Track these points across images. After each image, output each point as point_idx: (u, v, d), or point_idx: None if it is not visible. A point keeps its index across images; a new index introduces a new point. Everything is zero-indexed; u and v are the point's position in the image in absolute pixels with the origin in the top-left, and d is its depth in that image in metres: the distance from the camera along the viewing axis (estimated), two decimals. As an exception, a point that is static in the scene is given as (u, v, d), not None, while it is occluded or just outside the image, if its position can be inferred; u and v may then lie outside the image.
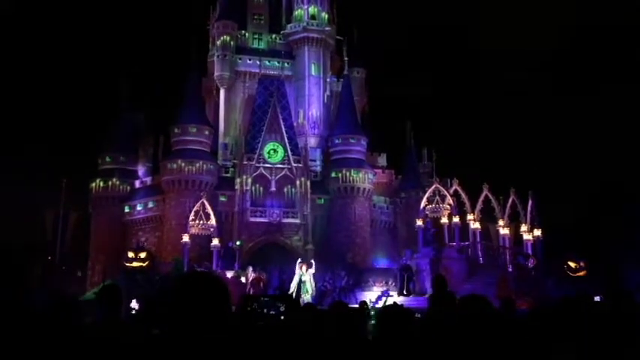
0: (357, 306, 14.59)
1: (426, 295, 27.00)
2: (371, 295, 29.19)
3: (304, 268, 29.73)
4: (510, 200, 34.41)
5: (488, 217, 34.78)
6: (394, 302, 5.65)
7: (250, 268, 31.17)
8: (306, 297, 27.05)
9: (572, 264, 28.12)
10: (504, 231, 33.76)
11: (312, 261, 30.37)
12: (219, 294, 2.19)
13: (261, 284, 29.67)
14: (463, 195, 33.08)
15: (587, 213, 44.52)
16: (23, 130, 59.11)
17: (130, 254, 30.57)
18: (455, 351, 4.14)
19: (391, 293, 29.07)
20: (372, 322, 6.90)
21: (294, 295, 26.37)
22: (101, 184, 44.69)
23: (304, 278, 28.84)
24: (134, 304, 19.99)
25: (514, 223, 34.57)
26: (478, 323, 4.59)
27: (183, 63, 45.77)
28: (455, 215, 32.01)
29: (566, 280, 27.01)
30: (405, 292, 28.33)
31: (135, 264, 29.92)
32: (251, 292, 28.14)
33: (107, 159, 45.77)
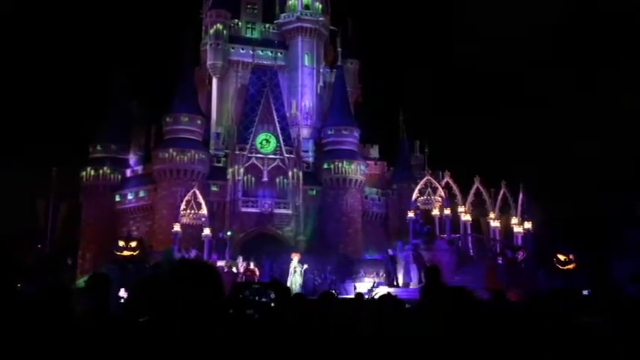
0: (352, 296, 14.65)
1: (412, 286, 27.21)
2: (361, 287, 29.31)
3: (296, 258, 29.84)
4: (501, 193, 34.60)
5: (479, 210, 34.95)
6: (388, 292, 5.68)
7: (240, 259, 31.23)
8: (294, 288, 27.14)
9: (561, 257, 28.29)
10: (495, 223, 33.95)
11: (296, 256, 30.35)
12: (213, 280, 2.20)
13: (254, 277, 29.72)
14: (454, 187, 33.21)
15: (579, 206, 44.86)
16: (15, 119, 58.64)
17: (121, 243, 30.44)
18: (445, 343, 4.16)
19: (376, 282, 29.26)
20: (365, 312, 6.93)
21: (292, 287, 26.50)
22: (92, 172, 44.47)
23: (294, 270, 28.98)
24: (122, 293, 19.92)
25: (505, 215, 34.78)
26: (468, 315, 4.62)
27: (176, 52, 45.50)
28: (446, 207, 32.11)
29: (556, 273, 27.19)
30: (394, 284, 28.48)
31: (125, 253, 29.80)
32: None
33: (98, 147, 45.50)
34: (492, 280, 25.01)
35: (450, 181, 33.31)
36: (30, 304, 2.80)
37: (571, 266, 28.11)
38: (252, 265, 30.88)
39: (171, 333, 2.02)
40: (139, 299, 3.67)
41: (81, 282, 32.43)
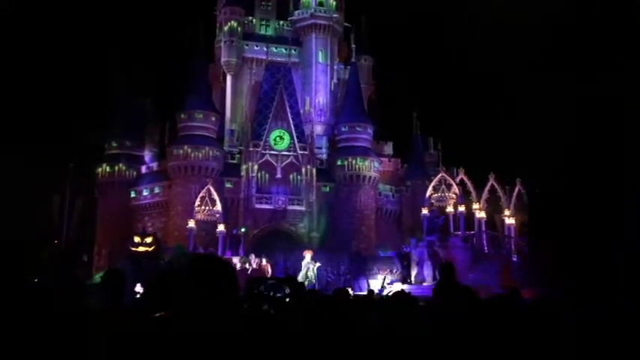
0: (364, 293, 14.63)
1: (426, 283, 27.12)
2: (375, 284, 29.29)
3: (309, 255, 29.86)
4: (516, 190, 34.31)
5: (494, 207, 34.70)
6: (401, 289, 5.67)
7: (252, 256, 31.27)
8: (306, 284, 27.16)
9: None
10: (510, 221, 33.70)
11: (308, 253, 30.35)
12: (229, 275, 2.20)
13: (266, 273, 29.78)
14: (469, 184, 33.01)
15: (594, 203, 44.27)
16: (30, 115, 59.26)
17: (136, 239, 30.74)
18: (459, 340, 4.14)
19: (390, 280, 29.20)
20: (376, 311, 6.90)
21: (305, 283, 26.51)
22: (107, 169, 44.87)
23: (306, 267, 28.99)
24: (139, 288, 20.11)
25: (520, 213, 34.48)
26: (486, 313, 4.59)
27: (191, 49, 45.65)
28: (460, 204, 31.94)
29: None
30: (408, 280, 28.43)
31: (141, 249, 30.09)
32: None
33: (113, 144, 45.87)
34: (507, 277, 24.85)
35: (465, 178, 33.13)
36: (42, 298, 2.82)
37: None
38: (264, 262, 30.94)
39: (187, 328, 2.03)
40: (155, 294, 3.69)
41: (97, 278, 32.74)
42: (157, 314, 2.28)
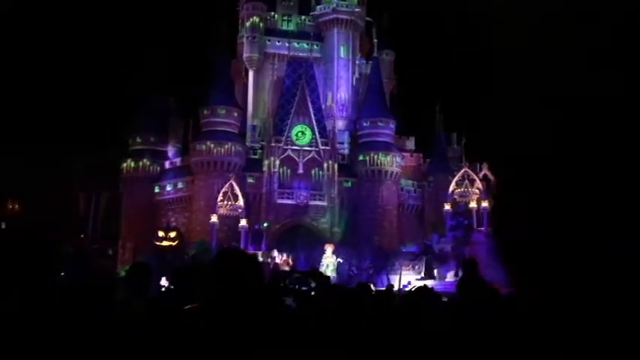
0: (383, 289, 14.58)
1: (449, 279, 26.96)
2: (397, 279, 29.16)
3: (330, 249, 29.91)
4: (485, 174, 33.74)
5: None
6: (424, 285, 5.65)
7: (275, 251, 31.40)
8: None
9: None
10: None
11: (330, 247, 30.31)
12: (256, 269, 2.23)
13: (288, 268, 29.93)
14: (492, 179, 32.71)
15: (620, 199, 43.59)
16: (57, 110, 60.23)
17: (161, 233, 31.17)
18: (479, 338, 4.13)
19: (417, 277, 29.01)
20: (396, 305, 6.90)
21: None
22: (132, 164, 45.40)
23: (326, 261, 29.02)
24: (164, 282, 20.38)
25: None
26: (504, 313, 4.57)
27: (213, 45, 45.90)
28: (484, 200, 31.69)
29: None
30: (428, 276, 28.31)
31: (165, 243, 30.50)
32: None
33: (138, 139, 46.38)
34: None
35: (488, 173, 32.84)
36: (75, 289, 2.89)
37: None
38: (285, 257, 31.02)
39: (216, 320, 2.06)
40: (181, 288, 3.75)
41: (122, 272, 33.25)
42: (187, 307, 2.33)
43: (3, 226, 36.50)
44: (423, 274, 29.19)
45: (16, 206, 38.57)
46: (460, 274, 24.84)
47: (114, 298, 3.69)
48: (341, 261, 29.98)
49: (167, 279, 20.55)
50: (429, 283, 23.88)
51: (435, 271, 28.74)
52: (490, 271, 25.02)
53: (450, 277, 27.35)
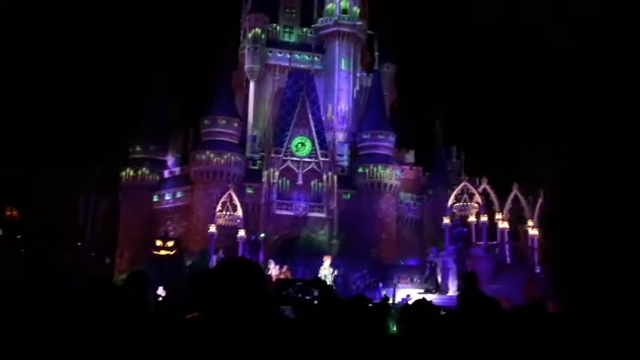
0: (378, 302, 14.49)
1: (449, 293, 26.81)
2: (398, 293, 28.96)
3: (328, 261, 29.75)
4: (540, 201, 33.87)
5: (517, 218, 34.31)
6: (423, 298, 5.60)
7: (272, 262, 31.16)
8: None
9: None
10: (533, 232, 33.28)
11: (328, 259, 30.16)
12: (261, 278, 2.21)
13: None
14: (492, 194, 32.71)
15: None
16: (56, 117, 60.23)
17: (158, 242, 31.05)
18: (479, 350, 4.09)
19: (419, 291, 28.75)
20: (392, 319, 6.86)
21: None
22: (131, 172, 45.37)
23: (324, 272, 28.79)
24: (161, 291, 20.27)
25: (544, 224, 34.03)
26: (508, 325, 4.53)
27: (215, 55, 46.07)
28: (483, 214, 31.65)
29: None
30: (432, 290, 28.14)
31: (162, 252, 30.36)
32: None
33: (138, 148, 46.40)
34: (531, 289, 24.46)
35: (488, 188, 32.84)
36: (78, 295, 2.85)
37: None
38: (284, 269, 30.81)
39: (220, 330, 2.03)
40: (181, 297, 3.71)
41: (119, 280, 33.08)
42: (189, 315, 2.30)
43: (0, 233, 36.40)
44: (428, 288, 28.89)
45: (14, 213, 38.49)
46: (461, 287, 24.73)
47: (114, 305, 3.65)
48: (336, 273, 29.78)
49: (164, 288, 20.45)
50: (432, 297, 23.78)
51: (436, 284, 28.59)
52: (490, 286, 24.93)
53: (452, 290, 27.21)
